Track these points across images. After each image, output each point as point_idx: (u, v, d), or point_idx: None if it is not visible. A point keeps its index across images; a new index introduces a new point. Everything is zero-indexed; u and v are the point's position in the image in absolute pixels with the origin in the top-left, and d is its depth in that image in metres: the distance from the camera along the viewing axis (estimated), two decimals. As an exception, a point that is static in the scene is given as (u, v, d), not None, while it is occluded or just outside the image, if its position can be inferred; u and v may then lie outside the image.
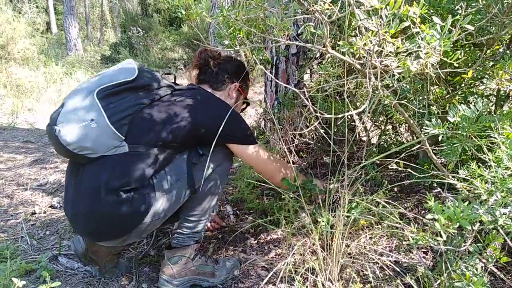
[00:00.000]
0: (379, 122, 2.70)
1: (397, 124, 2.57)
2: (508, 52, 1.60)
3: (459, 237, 0.96)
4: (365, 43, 0.94)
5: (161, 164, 1.53)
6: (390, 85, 1.05)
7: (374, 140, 2.61)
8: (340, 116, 0.99)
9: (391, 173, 2.42)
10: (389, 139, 2.53)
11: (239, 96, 1.88)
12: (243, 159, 1.75)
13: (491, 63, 1.65)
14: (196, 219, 1.68)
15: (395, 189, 2.26)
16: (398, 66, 0.91)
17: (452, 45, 1.49)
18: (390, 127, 2.64)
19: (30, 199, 2.63)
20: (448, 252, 1.02)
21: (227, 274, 1.73)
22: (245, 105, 2.00)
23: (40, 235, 2.18)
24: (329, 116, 1.03)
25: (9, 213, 2.44)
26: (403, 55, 0.95)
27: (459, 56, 1.53)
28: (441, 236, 0.77)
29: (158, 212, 1.53)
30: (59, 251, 1.96)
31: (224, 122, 1.53)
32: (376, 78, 1.02)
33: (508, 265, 1.51)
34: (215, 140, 1.52)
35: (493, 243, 0.88)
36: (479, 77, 1.62)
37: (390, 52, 0.99)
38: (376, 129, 2.72)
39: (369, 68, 0.96)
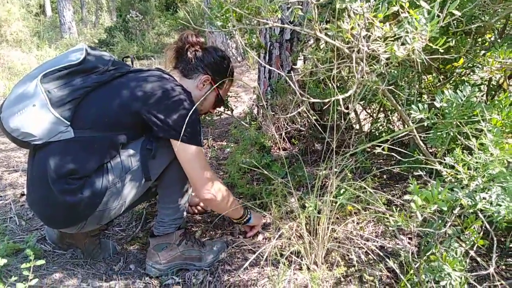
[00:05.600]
0: (371, 110, 2.71)
1: (390, 112, 2.58)
2: (499, 41, 1.60)
3: (439, 221, 0.98)
4: (352, 27, 0.93)
5: (114, 149, 1.48)
6: (378, 71, 1.04)
7: (366, 128, 2.62)
8: (327, 100, 0.99)
9: (381, 160, 2.43)
10: (380, 127, 2.54)
11: (211, 91, 1.76)
12: (179, 159, 1.53)
13: (482, 52, 1.65)
14: (172, 207, 1.67)
15: (384, 176, 2.27)
16: (385, 51, 0.90)
17: (443, 33, 1.50)
18: (382, 115, 2.64)
19: (19, 181, 2.62)
20: (428, 235, 1.03)
21: (214, 257, 1.74)
22: (217, 103, 1.86)
23: (28, 215, 2.18)
24: (316, 100, 1.03)
25: (-2, 194, 2.43)
26: (391, 41, 0.95)
27: (450, 44, 1.54)
28: (417, 217, 0.78)
29: (115, 200, 1.49)
30: (47, 232, 1.96)
31: (168, 112, 1.46)
32: (363, 63, 1.01)
33: (488, 250, 1.54)
34: (158, 129, 1.47)
35: (472, 227, 0.90)
36: (470, 65, 1.62)
37: (378, 37, 0.98)
38: (369, 117, 2.73)
39: (356, 53, 0.96)
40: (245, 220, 1.82)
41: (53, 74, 1.39)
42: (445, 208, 0.74)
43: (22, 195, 2.41)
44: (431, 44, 0.87)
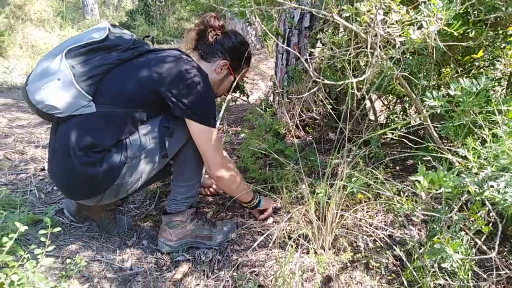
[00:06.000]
0: (388, 101, 2.69)
1: (408, 104, 2.55)
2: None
3: (446, 207, 0.98)
4: (369, 9, 0.93)
5: (133, 126, 1.52)
6: (394, 56, 1.04)
7: (382, 119, 2.61)
8: (340, 82, 1.00)
9: (395, 152, 2.42)
10: (396, 119, 2.52)
11: (227, 76, 1.79)
12: (194, 138, 1.59)
13: (503, 45, 1.62)
14: (185, 185, 1.72)
15: (397, 168, 2.27)
16: (401, 35, 0.90)
17: (462, 23, 1.48)
18: (399, 107, 2.62)
19: (41, 156, 2.71)
20: (435, 221, 1.04)
21: (224, 237, 1.79)
22: (232, 88, 1.86)
23: (48, 189, 2.26)
24: (330, 82, 1.04)
25: (20, 168, 2.52)
26: (407, 25, 0.95)
27: (470, 35, 1.52)
28: (422, 198, 0.79)
29: (132, 174, 1.54)
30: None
31: (185, 92, 1.51)
32: (380, 48, 1.02)
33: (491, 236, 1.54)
34: (174, 107, 1.51)
35: (478, 213, 0.90)
36: (490, 58, 1.60)
37: (396, 21, 0.98)
38: (385, 109, 2.71)
39: (372, 37, 0.96)
40: (255, 203, 1.85)
41: (77, 50, 1.44)
42: (449, 190, 0.75)
43: (42, 169, 2.49)
44: (446, 28, 0.87)
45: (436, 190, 0.77)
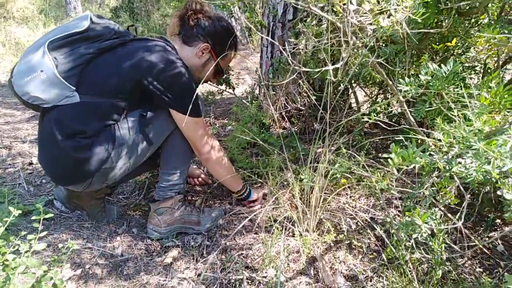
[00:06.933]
0: (371, 92, 2.77)
1: (390, 95, 2.64)
2: (493, 22, 1.65)
3: (419, 185, 1.05)
4: (341, -1, 0.99)
5: (118, 114, 1.57)
6: (368, 44, 1.11)
7: (366, 110, 2.68)
8: (317, 70, 1.06)
9: (377, 140, 2.50)
10: (378, 108, 2.60)
11: (210, 60, 1.77)
12: (180, 128, 1.66)
13: (477, 34, 1.70)
14: (172, 172, 1.76)
15: (380, 155, 2.35)
16: (371, 23, 0.97)
17: (436, 12, 1.55)
18: (382, 97, 2.70)
19: (28, 151, 2.72)
20: (408, 198, 1.11)
21: (212, 222, 1.84)
22: (216, 74, 1.87)
23: (36, 182, 2.28)
24: (307, 69, 1.10)
25: (7, 162, 2.53)
26: (378, 14, 1.01)
27: (443, 24, 1.59)
28: (393, 174, 0.85)
29: (119, 159, 1.59)
30: (54, 197, 2.06)
31: (168, 83, 1.55)
32: (354, 36, 1.08)
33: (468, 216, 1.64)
34: (158, 98, 1.56)
35: (446, 187, 0.97)
36: (461, 44, 1.67)
37: (367, 10, 1.05)
38: (369, 100, 2.79)
39: (346, 25, 1.02)
40: (245, 194, 1.92)
41: (59, 41, 1.47)
42: (418, 165, 0.82)
43: (30, 164, 2.50)
44: (412, 16, 0.93)
45: (407, 166, 0.84)
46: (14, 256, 1.16)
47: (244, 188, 1.91)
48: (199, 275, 1.54)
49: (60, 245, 1.36)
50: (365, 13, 1.04)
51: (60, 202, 1.92)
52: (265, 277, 1.49)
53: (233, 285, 1.47)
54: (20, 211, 1.24)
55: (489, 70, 1.93)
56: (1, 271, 1.20)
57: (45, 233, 1.30)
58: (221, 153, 1.79)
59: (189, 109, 1.55)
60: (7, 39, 6.74)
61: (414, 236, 0.93)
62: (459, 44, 1.78)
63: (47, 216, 1.29)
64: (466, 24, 1.72)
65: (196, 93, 1.60)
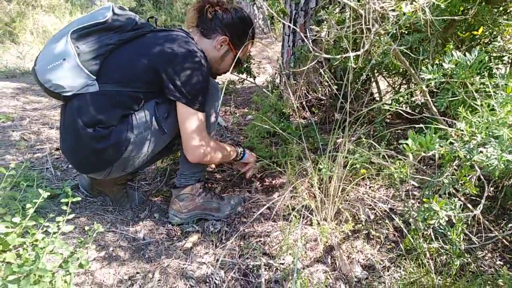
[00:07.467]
0: (393, 82, 2.73)
1: (413, 84, 2.59)
2: (522, 10, 1.60)
3: (439, 173, 1.04)
4: (365, -15, 0.98)
5: (136, 103, 1.59)
6: (390, 31, 1.09)
7: (389, 101, 2.65)
8: (338, 56, 1.05)
9: (399, 131, 2.47)
10: (401, 98, 2.56)
11: (228, 52, 1.79)
12: (178, 119, 1.62)
13: (504, 22, 1.65)
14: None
15: (401, 146, 2.32)
16: (394, 10, 0.96)
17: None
18: (405, 87, 2.66)
19: (55, 137, 2.81)
20: (427, 187, 1.10)
21: (231, 209, 1.87)
22: (235, 65, 1.85)
23: (63, 167, 2.36)
24: (328, 56, 1.09)
25: (36, 147, 2.63)
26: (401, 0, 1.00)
27: (469, 11, 1.55)
28: (410, 160, 0.85)
29: (137, 149, 1.61)
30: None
31: (181, 74, 1.54)
32: (376, 23, 1.07)
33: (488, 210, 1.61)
34: (165, 87, 1.56)
35: (466, 176, 0.96)
36: (489, 33, 1.63)
37: (392, -3, 1.03)
38: (391, 90, 2.75)
39: (368, 11, 1.01)
40: (239, 158, 1.96)
41: (82, 31, 1.51)
42: (435, 153, 0.81)
43: (57, 149, 2.59)
44: (437, 2, 0.91)
45: (424, 153, 0.83)
46: (43, 236, 1.21)
47: (239, 154, 1.95)
48: (217, 260, 1.58)
49: (86, 228, 1.42)
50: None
51: (83, 189, 1.99)
52: (282, 264, 1.51)
53: (251, 270, 1.50)
54: (48, 193, 1.29)
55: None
56: (31, 251, 1.27)
57: (72, 215, 1.36)
58: (210, 154, 1.70)
59: (191, 101, 1.57)
60: (35, 27, 6.91)
61: (431, 222, 0.93)
62: (486, 33, 1.73)
63: (74, 200, 1.35)
64: (494, 12, 1.66)
65: (206, 87, 1.61)
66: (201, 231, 1.79)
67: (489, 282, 1.25)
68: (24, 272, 1.14)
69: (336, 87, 2.42)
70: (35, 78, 1.53)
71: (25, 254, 1.23)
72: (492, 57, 1.77)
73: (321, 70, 2.55)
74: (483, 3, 1.51)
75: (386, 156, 1.64)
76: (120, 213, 1.92)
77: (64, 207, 1.33)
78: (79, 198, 1.36)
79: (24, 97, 3.89)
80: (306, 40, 1.85)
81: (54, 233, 1.29)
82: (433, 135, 0.84)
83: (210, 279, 1.46)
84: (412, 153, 0.84)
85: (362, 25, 1.25)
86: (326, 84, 2.69)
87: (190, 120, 1.60)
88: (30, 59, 5.78)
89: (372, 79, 2.58)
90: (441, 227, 0.96)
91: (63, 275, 1.25)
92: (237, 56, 1.80)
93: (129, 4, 11.92)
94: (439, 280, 1.28)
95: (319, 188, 1.68)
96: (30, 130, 2.89)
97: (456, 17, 1.13)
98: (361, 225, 1.66)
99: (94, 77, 1.53)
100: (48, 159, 2.42)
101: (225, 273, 1.50)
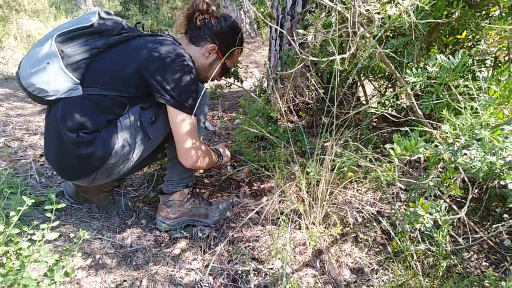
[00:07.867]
0: (379, 85, 2.76)
1: (399, 87, 2.62)
2: (504, 14, 1.63)
3: (425, 176, 1.06)
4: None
5: (121, 108, 1.56)
6: (375, 33, 1.10)
7: (375, 104, 2.67)
8: (324, 59, 1.06)
9: (385, 134, 2.50)
10: (387, 102, 2.58)
11: (216, 60, 1.78)
12: (170, 123, 1.60)
13: (487, 26, 1.68)
14: (180, 165, 1.74)
15: (386, 148, 2.34)
16: (379, 12, 0.97)
17: (447, 4, 1.53)
18: (391, 91, 2.69)
19: (39, 143, 2.76)
20: (413, 189, 1.11)
21: (220, 215, 1.86)
22: (222, 72, 1.87)
23: (48, 174, 2.32)
24: (315, 59, 1.10)
25: (19, 154, 2.58)
26: (386, 3, 1.01)
27: (454, 15, 1.58)
28: (396, 164, 0.86)
29: (122, 155, 1.58)
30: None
31: (169, 78, 1.52)
32: (362, 26, 1.08)
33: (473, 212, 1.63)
34: (155, 92, 1.53)
35: (451, 178, 0.97)
36: (472, 37, 1.66)
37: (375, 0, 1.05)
38: (377, 94, 2.78)
39: (353, 15, 1.02)
40: (221, 159, 1.97)
41: (67, 34, 1.48)
42: (420, 156, 0.82)
43: (41, 155, 2.55)
44: (419, 3, 0.93)
45: (410, 157, 0.84)
46: (28, 244, 1.19)
47: (219, 158, 1.95)
48: (206, 266, 1.57)
49: (71, 235, 1.40)
50: (373, 1, 1.04)
51: (68, 196, 1.96)
52: (271, 268, 1.50)
53: (240, 276, 1.49)
54: (33, 201, 1.27)
55: (499, 64, 1.91)
56: (15, 259, 1.24)
57: (57, 222, 1.33)
58: (203, 159, 1.71)
59: (181, 105, 1.55)
60: (18, 32, 6.81)
61: (417, 226, 0.93)
62: (469, 36, 1.76)
63: (59, 206, 1.32)
64: (477, 16, 1.70)
65: (196, 91, 1.59)
66: (189, 237, 1.78)
67: (475, 283, 1.26)
68: (8, 281, 1.11)
69: (323, 91, 2.44)
70: (18, 82, 1.50)
71: (9, 263, 1.20)
72: (475, 61, 1.81)
73: (308, 74, 2.57)
74: (466, 7, 1.54)
75: (373, 159, 1.65)
76: (106, 219, 1.89)
77: (49, 214, 1.30)
78: (64, 205, 1.34)
79: (8, 103, 3.82)
80: (293, 43, 1.86)
81: (39, 241, 1.26)
82: (418, 138, 0.85)
83: (199, 285, 1.44)
84: (397, 157, 0.85)
85: (348, 28, 1.26)
86: (313, 88, 2.71)
87: (182, 123, 1.58)
88: (14, 64, 5.69)
89: (359, 83, 2.60)
90: (427, 229, 0.97)
91: (48, 284, 1.23)
92: (225, 65, 1.80)
93: (115, 9, 11.85)
94: (427, 282, 1.29)
95: (307, 192, 1.68)
96: (14, 136, 2.84)
97: (440, 21, 1.15)
98: (349, 228, 1.67)
99: (78, 81, 1.50)
100: (32, 165, 2.38)
101: (214, 279, 1.49)
